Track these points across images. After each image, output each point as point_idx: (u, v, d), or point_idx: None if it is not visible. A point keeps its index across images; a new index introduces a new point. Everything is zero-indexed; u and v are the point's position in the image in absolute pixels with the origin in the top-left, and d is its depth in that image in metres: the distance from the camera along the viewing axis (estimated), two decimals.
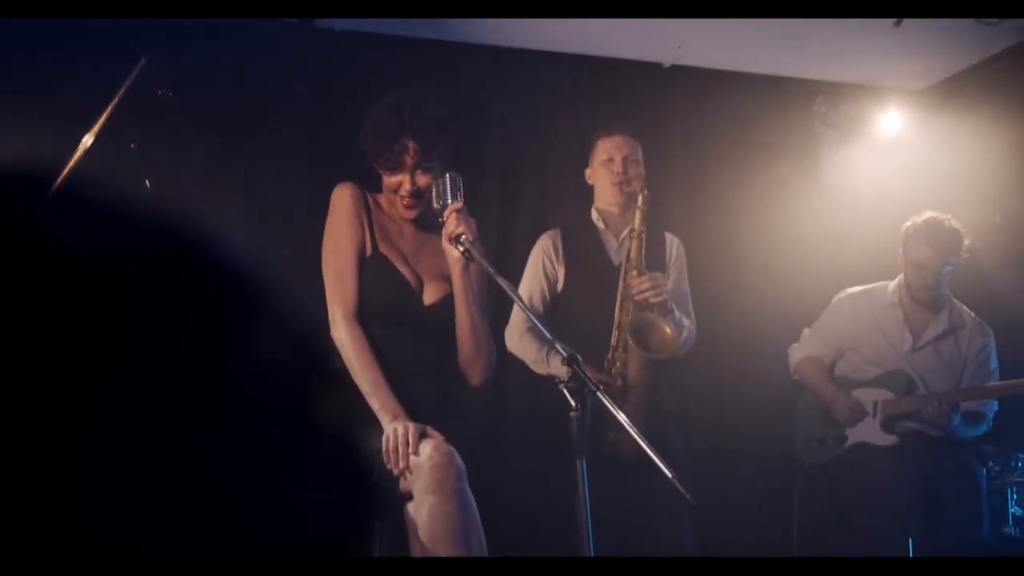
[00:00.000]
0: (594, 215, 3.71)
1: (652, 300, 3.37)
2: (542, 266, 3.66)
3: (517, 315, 3.63)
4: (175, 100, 3.07)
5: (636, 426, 3.26)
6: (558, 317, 3.61)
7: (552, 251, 3.67)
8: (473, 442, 3.26)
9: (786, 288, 4.56)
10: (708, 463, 4.09)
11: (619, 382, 3.37)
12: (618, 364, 3.40)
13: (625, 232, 3.58)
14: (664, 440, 3.47)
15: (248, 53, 3.89)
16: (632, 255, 3.43)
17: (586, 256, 3.64)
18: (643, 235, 3.44)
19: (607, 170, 3.62)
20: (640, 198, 3.45)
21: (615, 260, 3.60)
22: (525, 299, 3.62)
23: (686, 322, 3.59)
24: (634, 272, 3.41)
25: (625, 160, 3.60)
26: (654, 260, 3.52)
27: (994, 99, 4.62)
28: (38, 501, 0.47)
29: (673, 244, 3.74)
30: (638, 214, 3.45)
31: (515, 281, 4.22)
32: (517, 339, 3.59)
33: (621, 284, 3.44)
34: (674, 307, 3.48)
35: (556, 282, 3.65)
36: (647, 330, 3.38)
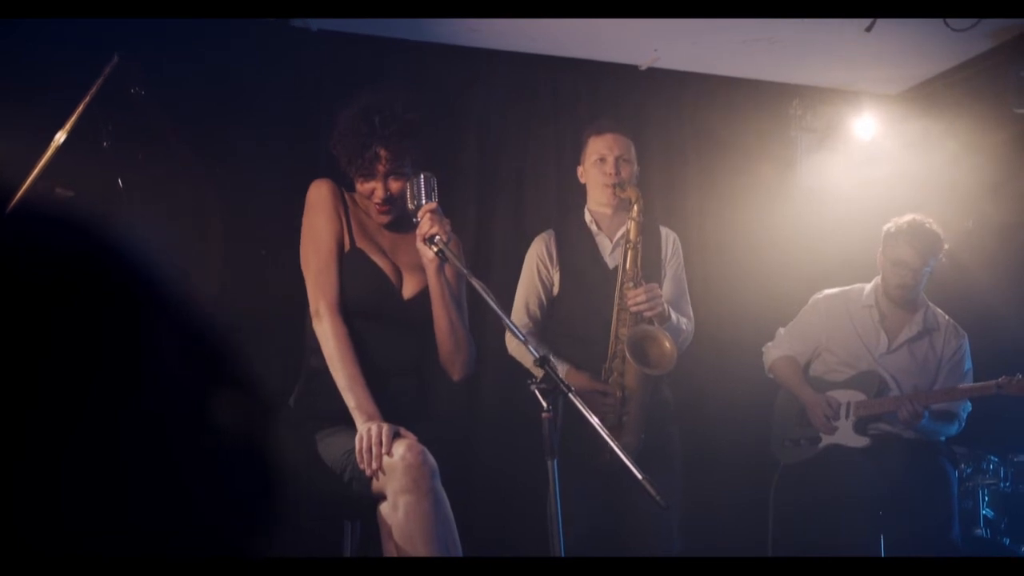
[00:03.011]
0: (587, 217, 3.65)
1: (647, 314, 3.35)
2: (537, 271, 3.62)
3: (516, 319, 3.59)
4: (148, 98, 3.06)
5: (637, 434, 3.31)
6: (555, 322, 3.59)
7: (546, 255, 3.62)
8: (449, 442, 3.27)
9: (762, 289, 4.59)
10: (688, 462, 4.10)
11: (618, 392, 3.36)
12: (615, 374, 3.38)
13: (620, 233, 3.56)
14: (666, 443, 3.49)
15: (223, 52, 3.87)
16: (628, 266, 3.39)
17: (580, 260, 3.60)
18: (639, 245, 3.39)
19: (599, 170, 3.56)
20: (635, 209, 3.40)
21: (610, 263, 3.56)
22: (522, 304, 3.61)
23: (684, 321, 3.57)
24: (630, 284, 3.37)
25: (617, 160, 3.54)
26: (650, 257, 3.49)
27: (966, 105, 4.67)
28: None
29: (669, 239, 3.69)
30: (633, 226, 3.39)
31: (501, 281, 4.23)
32: (515, 344, 3.55)
33: (617, 295, 3.40)
34: (671, 312, 3.46)
35: (552, 286, 3.61)
36: (646, 343, 3.35)
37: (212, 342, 0.57)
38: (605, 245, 3.61)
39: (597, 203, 3.64)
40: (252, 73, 3.93)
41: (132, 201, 3.09)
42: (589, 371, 3.41)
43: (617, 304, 3.40)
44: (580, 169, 3.69)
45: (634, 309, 3.34)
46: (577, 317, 3.53)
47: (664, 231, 3.70)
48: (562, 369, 3.44)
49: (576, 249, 3.62)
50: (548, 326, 3.60)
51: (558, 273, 3.60)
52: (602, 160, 3.56)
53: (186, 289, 0.57)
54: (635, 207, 3.40)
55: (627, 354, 3.30)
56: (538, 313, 3.60)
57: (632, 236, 3.40)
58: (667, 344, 3.32)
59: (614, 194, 3.51)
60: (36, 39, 3.48)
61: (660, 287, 3.52)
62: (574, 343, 3.50)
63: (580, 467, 3.15)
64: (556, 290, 3.60)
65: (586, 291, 3.54)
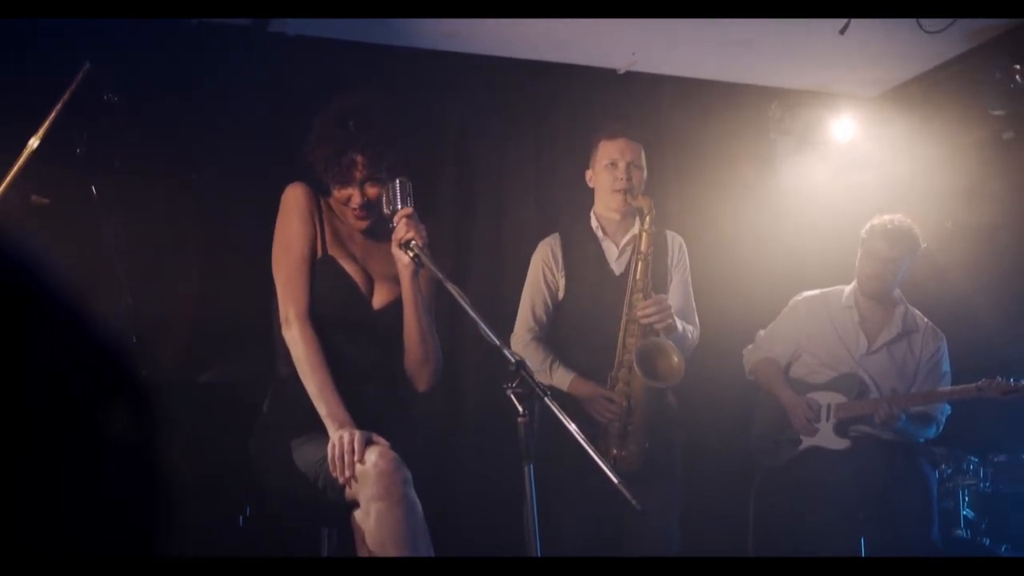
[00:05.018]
0: (593, 222, 3.61)
1: (657, 326, 3.34)
2: (542, 276, 3.59)
3: (521, 325, 3.58)
4: (123, 104, 3.04)
5: (641, 444, 3.32)
6: (560, 327, 3.58)
7: (552, 260, 3.59)
8: (426, 448, 3.26)
9: (741, 291, 4.59)
10: None
11: (624, 402, 3.35)
12: (621, 383, 3.37)
13: (626, 239, 3.54)
14: (669, 449, 3.49)
15: (199, 58, 3.87)
16: (638, 277, 3.36)
17: (586, 266, 3.57)
18: (650, 257, 3.37)
19: (610, 175, 3.51)
20: (647, 220, 3.36)
21: (616, 270, 3.54)
22: (528, 308, 3.59)
23: (690, 329, 3.55)
24: (639, 295, 3.35)
25: (629, 166, 3.49)
26: (656, 263, 3.46)
27: (943, 107, 4.69)
28: None
29: (675, 244, 3.66)
30: (645, 237, 3.36)
31: (480, 287, 4.22)
32: (521, 348, 3.52)
33: (626, 306, 3.38)
34: (677, 323, 3.44)
35: (557, 291, 3.59)
36: (655, 356, 3.34)
37: (105, 346, 0.57)
38: (611, 251, 3.57)
39: (606, 208, 3.59)
40: (228, 79, 3.91)
41: (107, 208, 3.08)
42: (595, 379, 3.41)
43: (625, 315, 3.38)
44: (589, 173, 3.64)
45: (644, 321, 3.33)
46: (582, 323, 3.52)
47: (671, 236, 3.66)
48: (568, 377, 3.44)
49: (581, 255, 3.59)
50: (555, 332, 3.59)
51: (563, 278, 3.58)
52: (613, 165, 3.51)
53: (78, 294, 0.56)
54: (647, 218, 3.37)
55: (635, 367, 3.29)
56: (544, 317, 3.58)
57: (643, 248, 3.36)
58: (675, 358, 3.31)
59: (624, 200, 3.47)
60: (7, 43, 3.46)
61: (667, 293, 3.52)
62: (579, 349, 3.50)
63: (570, 471, 3.14)
64: (561, 295, 3.59)
65: (591, 297, 3.52)
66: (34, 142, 2.91)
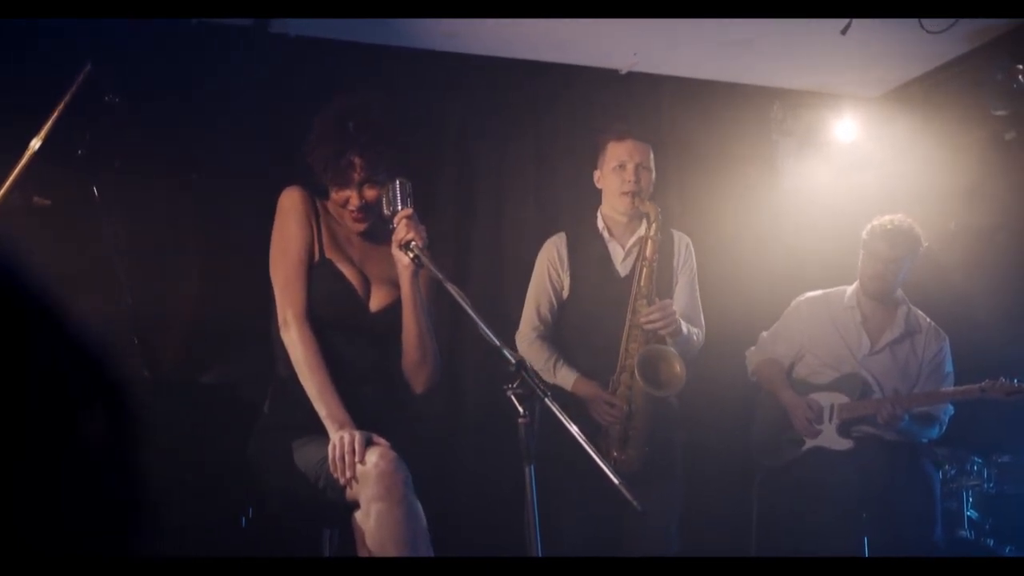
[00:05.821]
0: (600, 223, 3.60)
1: (662, 332, 3.34)
2: (548, 275, 3.59)
3: (526, 323, 3.58)
4: (124, 105, 3.04)
5: (642, 448, 3.33)
6: (564, 327, 3.58)
7: (557, 260, 3.59)
8: (426, 449, 3.25)
9: (743, 293, 4.58)
10: None
11: (626, 406, 3.35)
12: (623, 387, 3.37)
13: (632, 241, 3.53)
14: (669, 450, 3.48)
15: (198, 56, 3.86)
16: (643, 283, 3.35)
17: (591, 266, 3.57)
18: (655, 264, 3.36)
19: (618, 177, 3.50)
20: (653, 227, 3.36)
21: (621, 272, 3.53)
22: (532, 306, 3.59)
23: (695, 332, 3.54)
24: (643, 301, 3.34)
25: (637, 168, 3.47)
26: (662, 264, 3.45)
27: (945, 107, 4.69)
28: None
29: (682, 244, 3.64)
30: (649, 244, 3.36)
31: (480, 288, 4.21)
32: (526, 347, 3.53)
33: (629, 309, 3.38)
34: (682, 326, 3.43)
35: (562, 290, 3.59)
36: (657, 362, 3.34)
37: (104, 347, 0.57)
38: (617, 253, 3.56)
39: (613, 209, 3.59)
40: (228, 79, 3.91)
41: (107, 208, 3.08)
42: (596, 379, 3.41)
43: (629, 320, 3.37)
44: (597, 174, 3.63)
45: (648, 327, 3.33)
46: (586, 323, 3.52)
47: (677, 236, 3.65)
48: (571, 377, 3.44)
49: (587, 255, 3.59)
50: (557, 331, 3.58)
51: (568, 278, 3.57)
52: (621, 167, 3.50)
53: (79, 294, 0.56)
54: (653, 226, 3.36)
55: (636, 374, 3.29)
56: (549, 317, 3.58)
57: (648, 254, 3.36)
58: (677, 367, 3.31)
59: (632, 203, 3.46)
60: (7, 43, 3.46)
61: (672, 294, 3.51)
62: (582, 349, 3.50)
63: (571, 471, 3.13)
64: (566, 294, 3.58)
65: (596, 298, 3.52)
66: (35, 143, 2.91)
